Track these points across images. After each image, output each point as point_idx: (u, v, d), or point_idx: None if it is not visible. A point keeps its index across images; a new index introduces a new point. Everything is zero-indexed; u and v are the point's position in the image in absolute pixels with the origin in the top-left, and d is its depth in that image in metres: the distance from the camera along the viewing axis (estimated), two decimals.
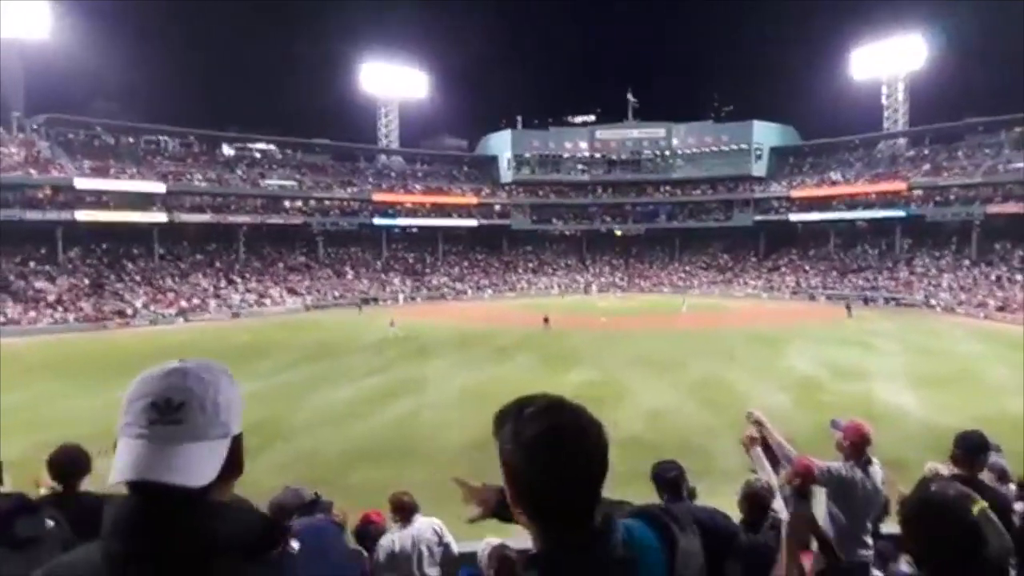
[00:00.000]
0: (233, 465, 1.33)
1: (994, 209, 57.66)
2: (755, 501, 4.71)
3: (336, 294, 62.30)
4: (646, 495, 4.53)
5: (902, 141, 74.06)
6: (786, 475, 5.28)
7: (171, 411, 1.26)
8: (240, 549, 1.25)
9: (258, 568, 1.29)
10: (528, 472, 1.31)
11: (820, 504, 5.32)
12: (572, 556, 1.31)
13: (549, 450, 1.30)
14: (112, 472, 1.22)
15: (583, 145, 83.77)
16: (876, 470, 5.08)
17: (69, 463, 3.92)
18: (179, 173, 63.67)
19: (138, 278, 56.24)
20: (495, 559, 5.38)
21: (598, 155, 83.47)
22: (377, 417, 20.92)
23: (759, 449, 5.27)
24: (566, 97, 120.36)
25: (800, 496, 5.21)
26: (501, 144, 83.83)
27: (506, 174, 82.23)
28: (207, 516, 1.24)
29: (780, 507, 5.01)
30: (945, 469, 5.80)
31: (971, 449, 4.72)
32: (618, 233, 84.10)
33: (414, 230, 77.36)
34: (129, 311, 50.37)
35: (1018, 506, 4.86)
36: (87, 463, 4.01)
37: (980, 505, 3.55)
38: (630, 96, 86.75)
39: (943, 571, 2.57)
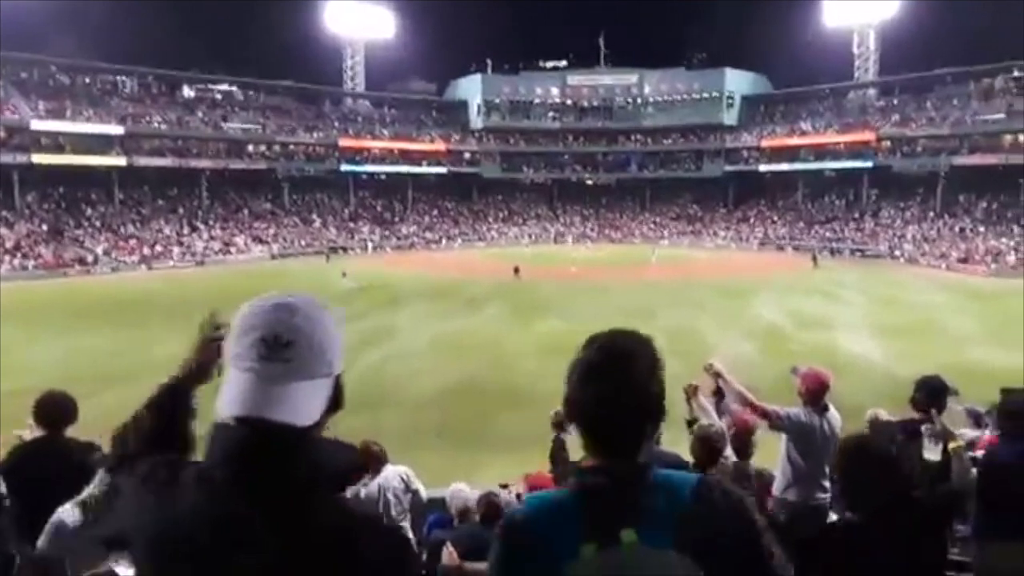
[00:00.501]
0: (335, 403, 1.36)
1: (960, 161, 58.33)
2: (707, 445, 4.79)
3: (303, 242, 61.41)
4: None
5: (872, 91, 74.25)
6: (726, 423, 5.34)
7: (280, 348, 1.27)
8: (337, 480, 1.35)
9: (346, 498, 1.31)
10: (574, 394, 1.48)
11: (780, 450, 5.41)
12: (606, 477, 1.42)
13: (591, 376, 1.45)
14: (221, 404, 1.25)
15: (554, 91, 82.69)
16: (833, 415, 5.19)
17: (57, 409, 3.94)
18: (138, 115, 61.68)
19: (98, 224, 54.91)
20: (483, 504, 5.40)
21: (569, 101, 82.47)
22: (348, 366, 20.48)
23: (702, 398, 5.46)
24: (537, 40, 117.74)
25: (737, 448, 5.27)
26: (471, 89, 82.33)
27: (476, 120, 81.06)
28: (311, 450, 1.28)
29: (730, 453, 5.11)
30: (886, 415, 5.90)
31: (931, 393, 4.82)
32: (589, 182, 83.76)
33: (382, 177, 76.17)
34: (90, 258, 49.27)
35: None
36: (74, 411, 4.02)
37: (957, 444, 3.58)
38: (602, 41, 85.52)
39: (875, 513, 2.71)
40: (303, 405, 1.27)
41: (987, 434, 5.45)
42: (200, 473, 1.25)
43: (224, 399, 1.25)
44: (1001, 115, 57.54)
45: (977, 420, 5.68)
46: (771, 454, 5.61)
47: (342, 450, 1.42)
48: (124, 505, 1.33)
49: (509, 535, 1.46)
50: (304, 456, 1.25)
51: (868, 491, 2.75)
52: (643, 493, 1.40)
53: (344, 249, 60.82)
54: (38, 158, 53.00)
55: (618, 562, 1.33)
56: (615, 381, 1.44)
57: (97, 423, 3.99)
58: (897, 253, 54.18)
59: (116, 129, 58.08)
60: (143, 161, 59.21)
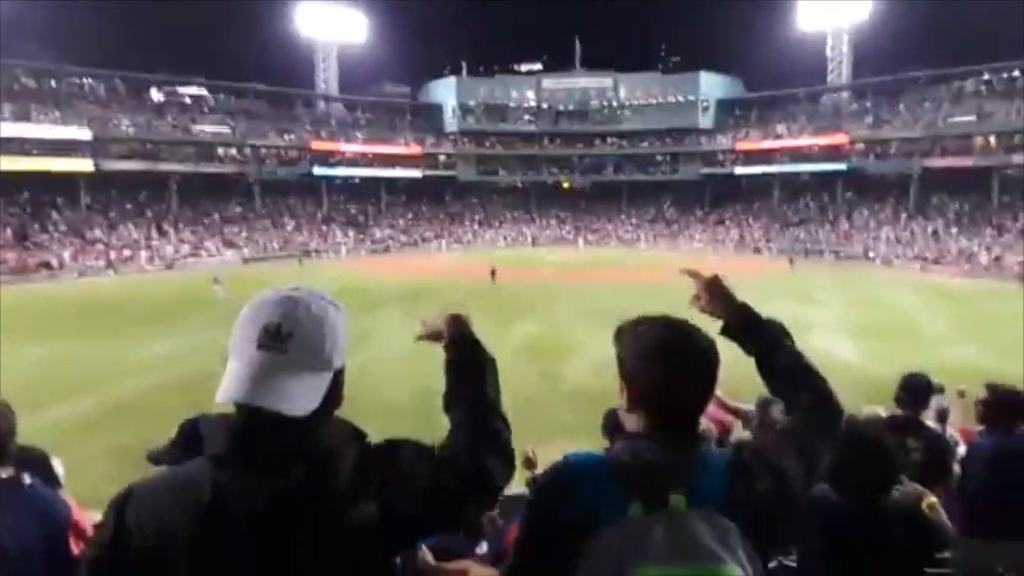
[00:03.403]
0: (333, 398, 1.40)
1: (932, 163, 58.86)
2: None
3: (275, 246, 60.53)
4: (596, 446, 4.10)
5: (845, 94, 74.78)
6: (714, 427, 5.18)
7: (279, 338, 1.32)
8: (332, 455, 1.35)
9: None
10: (646, 373, 1.49)
11: None
12: (659, 445, 1.45)
13: (665, 355, 1.47)
14: (220, 390, 1.30)
15: (530, 94, 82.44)
16: None
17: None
18: (105, 118, 60.42)
19: (64, 228, 53.69)
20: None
21: (545, 105, 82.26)
22: None
23: None
24: (511, 43, 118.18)
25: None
26: (445, 92, 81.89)
27: (451, 123, 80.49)
28: (304, 433, 1.32)
29: None
30: (884, 412, 5.70)
31: (916, 391, 4.73)
32: (565, 185, 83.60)
33: (356, 181, 75.40)
34: (55, 263, 48.07)
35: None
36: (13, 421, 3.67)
37: (929, 500, 3.26)
38: (577, 44, 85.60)
39: (861, 496, 2.77)
40: (297, 396, 1.28)
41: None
42: (209, 460, 1.30)
43: (224, 386, 1.30)
44: (972, 117, 58.14)
45: (941, 416, 5.59)
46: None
47: (342, 427, 1.38)
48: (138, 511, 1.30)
49: (550, 489, 1.46)
50: (300, 440, 1.29)
51: (857, 473, 2.75)
52: (692, 462, 1.44)
53: (316, 252, 60.09)
54: (3, 162, 51.64)
55: (665, 524, 1.32)
56: (686, 358, 1.48)
57: (63, 430, 3.55)
58: (872, 255, 54.49)
59: (84, 133, 56.79)
60: (111, 165, 58.01)
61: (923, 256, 50.77)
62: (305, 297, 1.37)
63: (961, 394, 6.22)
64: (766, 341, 1.87)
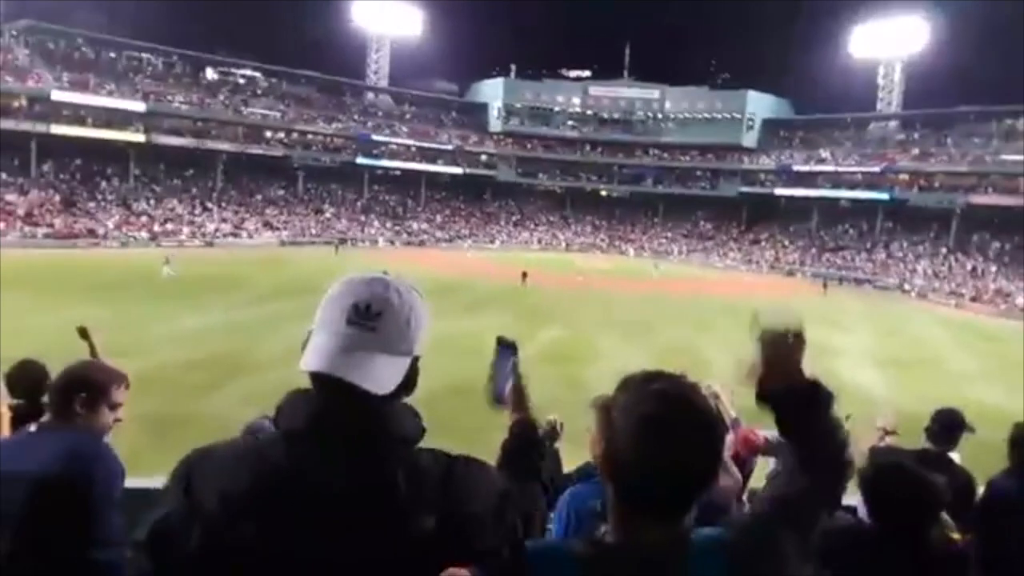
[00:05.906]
0: (408, 384, 1.38)
1: (976, 199, 58.06)
2: None
3: (313, 231, 61.55)
4: None
5: (893, 123, 73.99)
6: (730, 440, 5.26)
7: (369, 317, 1.33)
8: (408, 443, 1.34)
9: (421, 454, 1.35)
10: (625, 451, 1.25)
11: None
12: (641, 552, 1.25)
13: (653, 434, 1.23)
14: (305, 359, 1.32)
15: (575, 100, 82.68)
16: None
17: (32, 379, 3.81)
18: (160, 93, 61.99)
19: (111, 198, 55.15)
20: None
21: (589, 112, 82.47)
22: None
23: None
24: (561, 48, 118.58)
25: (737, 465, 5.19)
26: (492, 92, 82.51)
27: (495, 123, 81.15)
28: (385, 414, 1.32)
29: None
30: (888, 421, 5.66)
31: (948, 426, 4.67)
32: (603, 193, 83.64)
33: (397, 173, 76.25)
34: (100, 231, 49.45)
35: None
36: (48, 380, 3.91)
37: (953, 534, 3.36)
38: (627, 53, 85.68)
39: (902, 532, 2.63)
40: (380, 375, 1.30)
41: None
42: (285, 433, 1.29)
43: (308, 356, 1.31)
44: (1020, 156, 57.15)
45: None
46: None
47: (411, 416, 1.39)
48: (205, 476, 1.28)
49: None
50: (379, 418, 1.29)
51: (901, 509, 2.68)
52: (678, 558, 1.25)
53: (352, 241, 60.90)
54: (57, 128, 53.25)
55: None
56: (678, 443, 1.22)
57: None
58: (907, 287, 53.88)
59: (137, 106, 58.29)
60: (162, 139, 59.46)
61: (959, 292, 50.09)
62: (395, 282, 1.40)
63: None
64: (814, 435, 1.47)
